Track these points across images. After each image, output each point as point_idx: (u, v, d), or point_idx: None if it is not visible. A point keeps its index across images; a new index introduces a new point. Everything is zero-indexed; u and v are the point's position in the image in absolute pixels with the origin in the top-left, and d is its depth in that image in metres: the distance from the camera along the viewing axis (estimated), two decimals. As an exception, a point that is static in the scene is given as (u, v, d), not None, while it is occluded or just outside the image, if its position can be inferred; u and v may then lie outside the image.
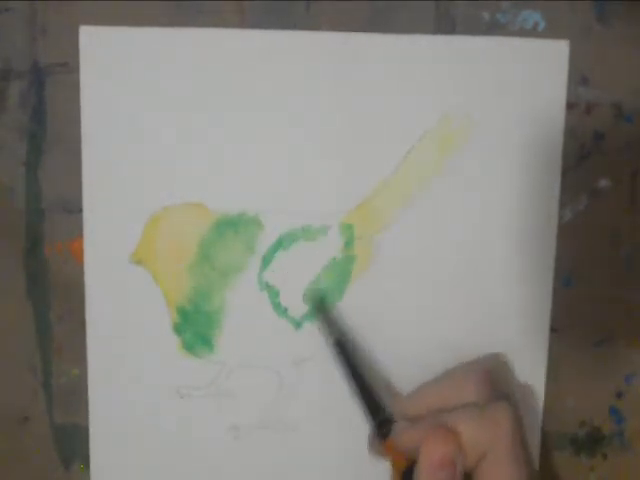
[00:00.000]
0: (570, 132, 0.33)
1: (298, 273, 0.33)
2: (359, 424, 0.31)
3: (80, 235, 0.33)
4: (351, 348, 0.32)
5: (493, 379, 0.30)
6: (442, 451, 0.27)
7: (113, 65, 0.32)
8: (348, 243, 0.33)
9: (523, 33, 0.32)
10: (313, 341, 0.33)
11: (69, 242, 0.33)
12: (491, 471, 0.27)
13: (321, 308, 0.33)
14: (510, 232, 0.33)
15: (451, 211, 0.33)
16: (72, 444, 0.35)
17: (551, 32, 0.32)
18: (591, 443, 0.35)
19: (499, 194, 0.33)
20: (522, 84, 0.32)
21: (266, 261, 0.33)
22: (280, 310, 0.33)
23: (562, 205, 0.33)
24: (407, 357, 0.33)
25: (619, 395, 0.34)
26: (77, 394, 0.34)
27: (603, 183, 0.33)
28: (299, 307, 0.33)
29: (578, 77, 0.32)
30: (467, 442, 0.27)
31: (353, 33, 0.32)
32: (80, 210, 0.33)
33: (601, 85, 0.32)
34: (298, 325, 0.33)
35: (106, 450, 0.34)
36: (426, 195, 0.33)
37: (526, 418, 0.34)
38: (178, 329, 0.33)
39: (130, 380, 0.34)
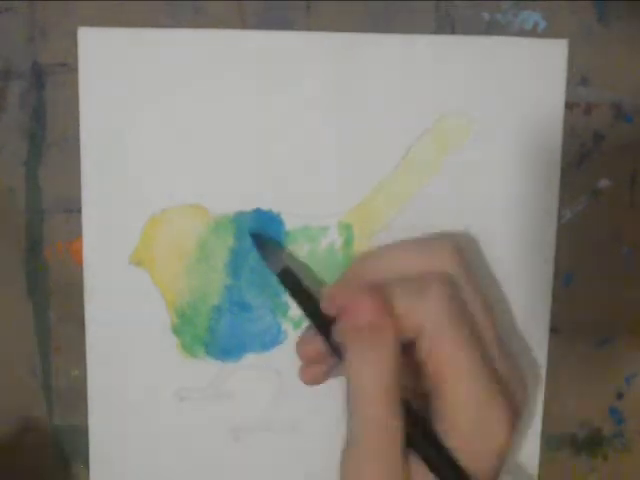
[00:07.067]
0: (570, 132, 0.33)
1: (298, 274, 0.33)
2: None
3: (80, 235, 0.33)
4: (297, 275, 0.31)
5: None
6: (369, 309, 0.25)
7: (112, 66, 0.32)
8: (347, 243, 0.33)
9: (523, 33, 0.32)
10: (313, 341, 0.33)
11: (69, 242, 0.33)
12: (427, 348, 0.25)
13: (263, 243, 0.32)
14: (510, 232, 0.33)
15: (450, 211, 0.33)
16: (72, 445, 0.34)
17: (551, 32, 0.32)
18: (591, 444, 0.35)
19: (498, 194, 0.33)
20: (522, 84, 0.32)
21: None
22: (280, 311, 0.33)
23: (562, 205, 0.33)
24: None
25: (619, 396, 0.34)
26: (77, 395, 0.34)
27: (603, 183, 0.33)
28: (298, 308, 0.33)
29: (578, 77, 0.32)
30: (400, 315, 0.25)
31: (353, 33, 0.32)
32: (80, 210, 0.33)
33: (601, 85, 0.32)
34: (298, 325, 0.33)
35: (106, 451, 0.34)
36: (425, 195, 0.33)
37: (526, 419, 0.34)
38: (177, 330, 0.33)
39: (129, 381, 0.34)
